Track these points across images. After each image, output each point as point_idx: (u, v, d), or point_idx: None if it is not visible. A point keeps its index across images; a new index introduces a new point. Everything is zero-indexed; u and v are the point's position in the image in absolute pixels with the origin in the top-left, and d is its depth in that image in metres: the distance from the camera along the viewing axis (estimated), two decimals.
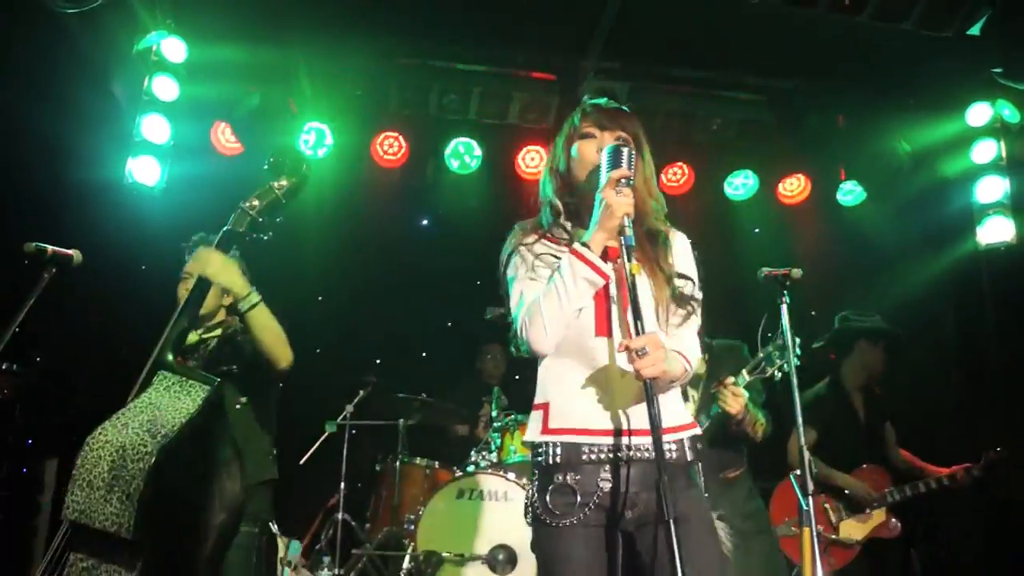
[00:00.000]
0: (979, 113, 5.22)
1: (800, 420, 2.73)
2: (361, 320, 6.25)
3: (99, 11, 4.13)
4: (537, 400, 2.19)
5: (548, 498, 2.07)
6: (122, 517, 2.39)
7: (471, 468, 4.79)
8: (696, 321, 2.21)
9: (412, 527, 4.54)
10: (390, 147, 5.76)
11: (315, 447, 5.16)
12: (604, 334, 2.11)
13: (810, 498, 2.66)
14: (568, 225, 2.24)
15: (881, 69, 5.12)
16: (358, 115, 5.65)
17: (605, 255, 2.09)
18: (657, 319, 2.13)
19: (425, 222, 6.71)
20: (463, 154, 5.81)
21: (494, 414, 5.12)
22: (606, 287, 2.12)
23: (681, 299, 2.18)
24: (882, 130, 5.42)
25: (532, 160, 5.83)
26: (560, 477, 2.07)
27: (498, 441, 5.02)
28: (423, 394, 5.32)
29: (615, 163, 2.06)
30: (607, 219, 2.03)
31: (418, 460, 5.10)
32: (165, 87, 4.93)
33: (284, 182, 2.88)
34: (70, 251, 2.93)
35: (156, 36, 4.78)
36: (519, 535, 4.55)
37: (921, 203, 5.64)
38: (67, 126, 4.57)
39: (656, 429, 1.87)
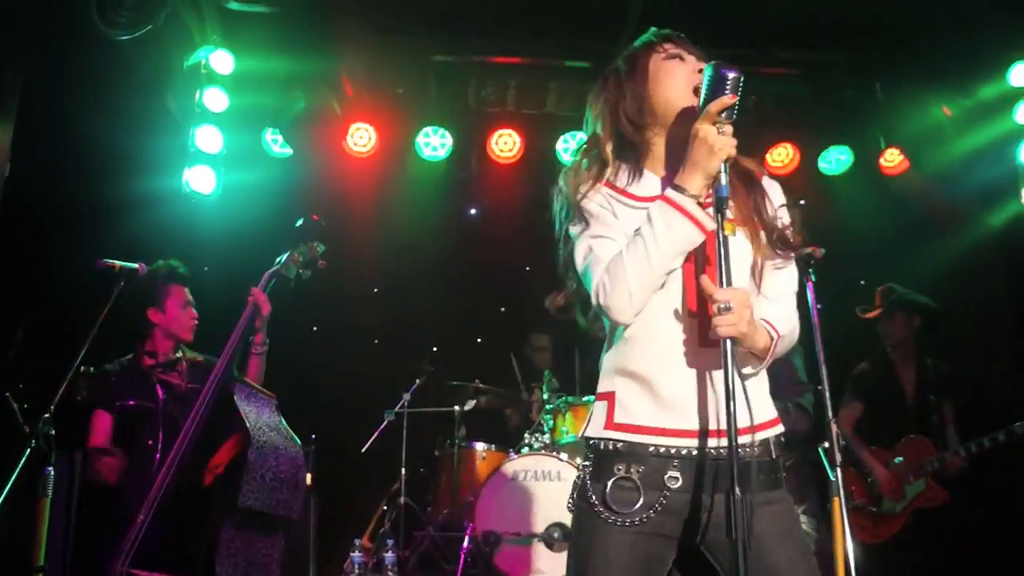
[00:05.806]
0: (1021, 74, 5.12)
1: (827, 397, 2.81)
2: (416, 311, 6.42)
3: (150, 32, 4.35)
4: (601, 388, 1.81)
5: (608, 491, 1.71)
6: (293, 502, 3.07)
7: (525, 450, 4.96)
8: (794, 283, 1.83)
9: (471, 508, 4.73)
10: (434, 142, 5.92)
11: (374, 435, 5.37)
12: (692, 307, 1.70)
13: (838, 470, 2.73)
14: (636, 169, 1.83)
15: (918, 35, 5.07)
16: (401, 113, 5.79)
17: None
18: (754, 280, 1.77)
19: (473, 211, 6.86)
20: (501, 144, 5.92)
21: (545, 396, 5.27)
22: (699, 248, 1.69)
23: (784, 247, 1.78)
24: (921, 97, 5.38)
25: (569, 147, 5.92)
26: (621, 468, 1.71)
27: (550, 423, 5.17)
28: (476, 380, 5.49)
29: (717, 89, 1.63)
30: (707, 160, 1.61)
31: (474, 445, 5.30)
32: (215, 98, 5.16)
33: (318, 246, 3.40)
34: (135, 264, 3.19)
35: (205, 51, 5.01)
36: None
37: (965, 168, 5.57)
38: (127, 142, 4.81)
39: (732, 421, 1.54)
